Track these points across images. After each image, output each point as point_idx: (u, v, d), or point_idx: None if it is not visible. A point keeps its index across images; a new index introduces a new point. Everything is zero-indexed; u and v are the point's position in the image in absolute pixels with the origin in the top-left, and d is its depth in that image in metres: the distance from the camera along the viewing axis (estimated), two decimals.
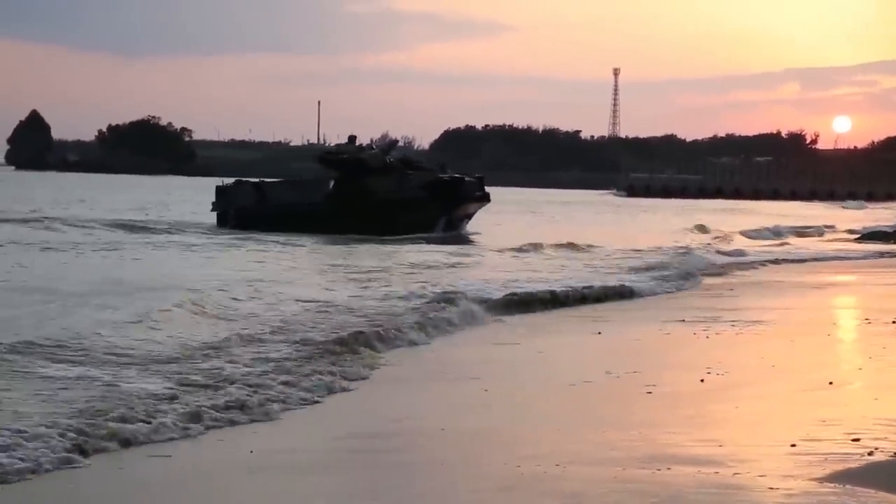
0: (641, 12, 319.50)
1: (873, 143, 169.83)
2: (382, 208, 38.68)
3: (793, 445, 7.71)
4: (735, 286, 22.20)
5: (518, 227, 47.35)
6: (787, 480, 6.83)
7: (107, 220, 40.76)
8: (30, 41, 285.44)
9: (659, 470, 7.17)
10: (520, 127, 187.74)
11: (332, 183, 40.43)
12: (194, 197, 64.57)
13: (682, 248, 32.53)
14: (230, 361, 11.19)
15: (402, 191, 39.74)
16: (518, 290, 19.12)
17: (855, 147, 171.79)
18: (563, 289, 19.75)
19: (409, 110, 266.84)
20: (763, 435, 8.18)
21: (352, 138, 42.56)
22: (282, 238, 33.56)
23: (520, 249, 30.91)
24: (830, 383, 10.32)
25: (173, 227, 38.80)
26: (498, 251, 31.01)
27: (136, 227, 38.25)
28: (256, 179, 43.64)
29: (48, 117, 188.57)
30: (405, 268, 24.72)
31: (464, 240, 38.37)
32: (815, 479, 6.84)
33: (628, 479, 6.98)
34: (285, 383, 10.14)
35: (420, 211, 39.35)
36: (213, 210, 41.50)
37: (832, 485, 6.72)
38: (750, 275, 25.36)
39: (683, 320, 15.78)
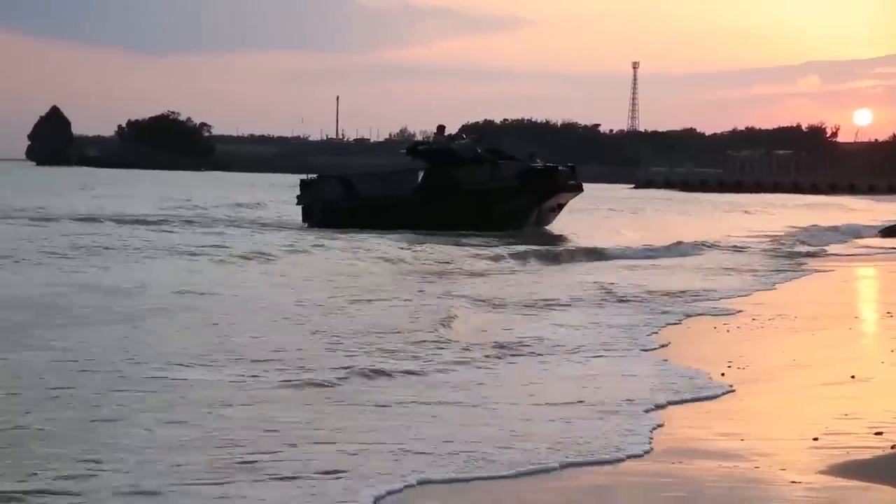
0: (661, 6, 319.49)
1: (894, 135, 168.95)
2: (476, 199, 37.46)
3: (815, 439, 7.69)
4: (753, 282, 22.11)
5: (590, 224, 45.73)
6: (809, 474, 6.81)
7: (250, 219, 41.14)
8: (50, 38, 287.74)
9: (678, 463, 7.17)
10: (538, 121, 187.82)
11: (421, 175, 38.91)
12: (235, 191, 64.74)
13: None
14: None
15: (495, 181, 38.10)
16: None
17: (875, 140, 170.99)
18: None
19: (427, 105, 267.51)
20: (784, 429, 8.17)
21: (440, 128, 41.45)
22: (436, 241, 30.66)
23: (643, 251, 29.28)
24: (852, 377, 10.27)
25: (279, 226, 38.17)
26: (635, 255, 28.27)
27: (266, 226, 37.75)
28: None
29: (68, 113, 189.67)
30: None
31: (554, 238, 36.02)
32: (836, 473, 6.83)
33: (649, 472, 6.98)
34: None
35: (514, 201, 37.92)
36: (297, 204, 40.22)
37: (854, 479, 6.70)
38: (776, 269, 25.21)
39: (704, 314, 15.75)
